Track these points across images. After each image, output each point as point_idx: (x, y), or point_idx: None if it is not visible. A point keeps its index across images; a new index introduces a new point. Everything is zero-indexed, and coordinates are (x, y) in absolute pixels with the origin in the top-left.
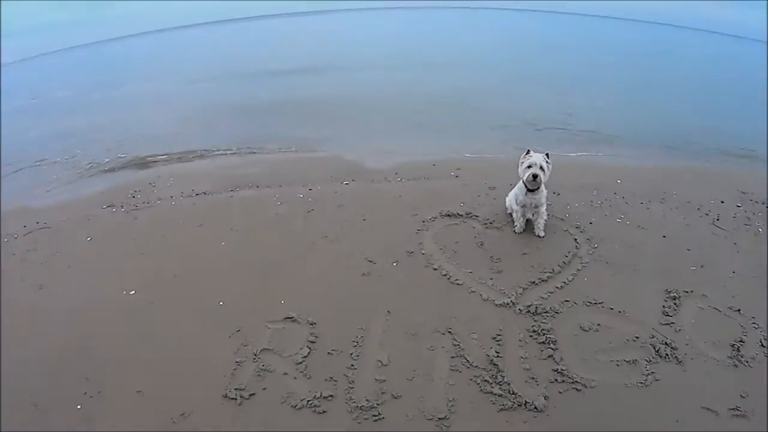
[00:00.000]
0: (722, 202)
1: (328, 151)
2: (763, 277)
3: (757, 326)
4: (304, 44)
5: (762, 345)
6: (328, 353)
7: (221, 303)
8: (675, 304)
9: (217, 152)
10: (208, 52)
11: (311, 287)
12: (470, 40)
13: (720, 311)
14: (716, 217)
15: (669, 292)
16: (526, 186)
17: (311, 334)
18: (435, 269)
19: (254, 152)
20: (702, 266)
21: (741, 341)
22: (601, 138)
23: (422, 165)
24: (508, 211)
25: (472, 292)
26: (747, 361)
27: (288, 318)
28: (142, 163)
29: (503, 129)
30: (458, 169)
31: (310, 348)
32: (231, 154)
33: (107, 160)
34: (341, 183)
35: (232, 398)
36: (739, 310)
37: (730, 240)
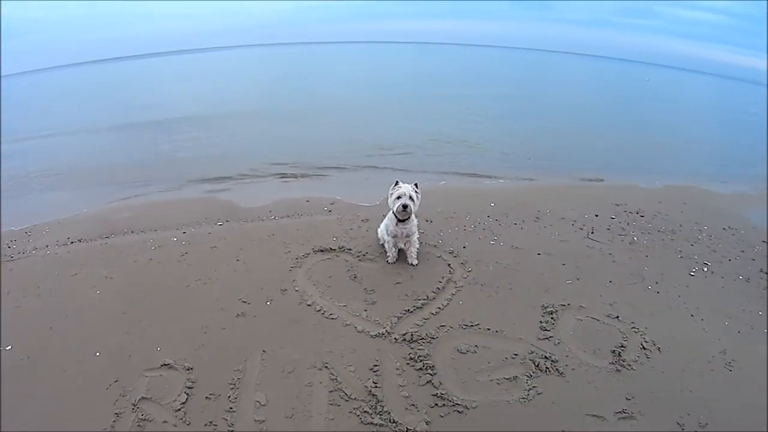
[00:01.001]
0: (597, 215)
1: (201, 193)
2: (639, 283)
3: (637, 330)
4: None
5: (643, 347)
6: (206, 398)
7: (97, 354)
8: (552, 318)
9: (94, 199)
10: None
11: (187, 332)
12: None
13: (598, 320)
14: (591, 231)
15: (545, 307)
16: (396, 216)
17: (188, 379)
18: (309, 305)
19: (127, 198)
20: (578, 279)
21: (622, 346)
22: (475, 163)
23: (296, 202)
24: (381, 242)
25: (347, 325)
26: (629, 365)
27: (165, 365)
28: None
29: (377, 157)
30: (332, 203)
31: (188, 394)
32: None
33: None
34: (215, 224)
35: None
36: (617, 317)
37: (605, 251)
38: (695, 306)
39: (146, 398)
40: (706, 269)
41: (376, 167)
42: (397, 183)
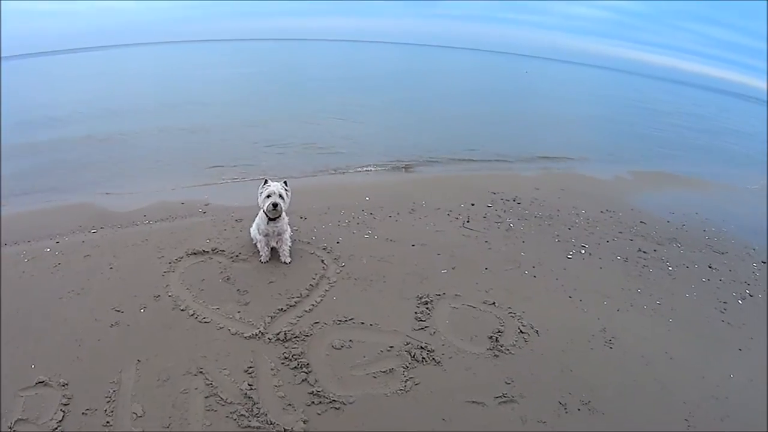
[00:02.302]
0: (473, 204)
1: (77, 199)
2: (515, 269)
3: (513, 314)
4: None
5: (521, 332)
6: (83, 413)
7: None
8: (427, 308)
9: None
10: None
11: (61, 346)
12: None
13: (474, 307)
14: (467, 220)
15: (420, 297)
16: (267, 215)
17: (64, 396)
18: (182, 310)
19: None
20: (453, 268)
21: (499, 332)
22: (350, 158)
23: (171, 205)
24: (254, 242)
25: (221, 328)
26: (508, 349)
27: (39, 383)
28: None
29: (252, 157)
30: (206, 205)
31: (64, 411)
32: None
33: None
34: (89, 232)
35: None
36: (494, 303)
37: (481, 239)
38: (573, 288)
39: (22, 419)
40: (583, 251)
41: (251, 165)
42: (266, 181)
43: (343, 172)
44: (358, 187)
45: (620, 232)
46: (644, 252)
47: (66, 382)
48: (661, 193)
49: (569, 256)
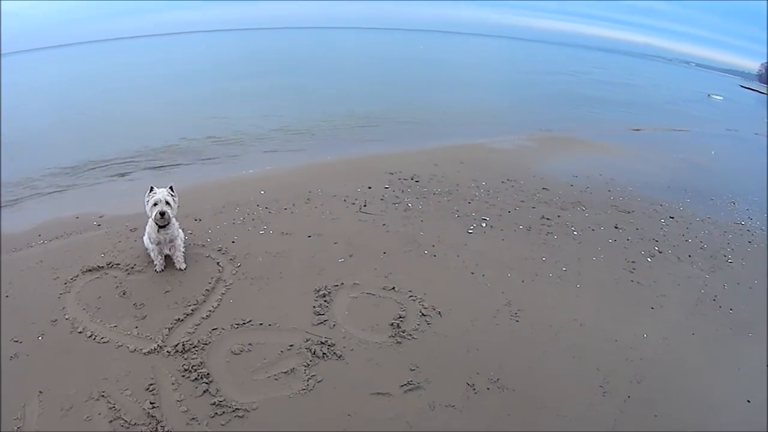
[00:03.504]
0: (370, 187)
1: None
2: (415, 250)
3: (414, 298)
4: None
5: (422, 314)
6: None
7: None
8: (326, 301)
9: None
10: None
11: None
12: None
13: (374, 294)
14: (363, 204)
15: (318, 290)
16: (156, 223)
17: None
18: (80, 332)
19: None
20: (351, 256)
21: (400, 317)
22: (242, 152)
23: (65, 220)
24: (148, 251)
25: (120, 346)
26: (410, 335)
27: None
28: None
29: (144, 160)
30: (100, 216)
31: None
32: None
33: None
34: None
35: None
36: (394, 288)
37: (378, 223)
38: (475, 263)
39: None
40: (484, 225)
41: (147, 168)
42: (151, 189)
43: (236, 169)
44: (252, 182)
45: (522, 201)
46: (547, 219)
47: None
48: (564, 158)
49: (470, 231)
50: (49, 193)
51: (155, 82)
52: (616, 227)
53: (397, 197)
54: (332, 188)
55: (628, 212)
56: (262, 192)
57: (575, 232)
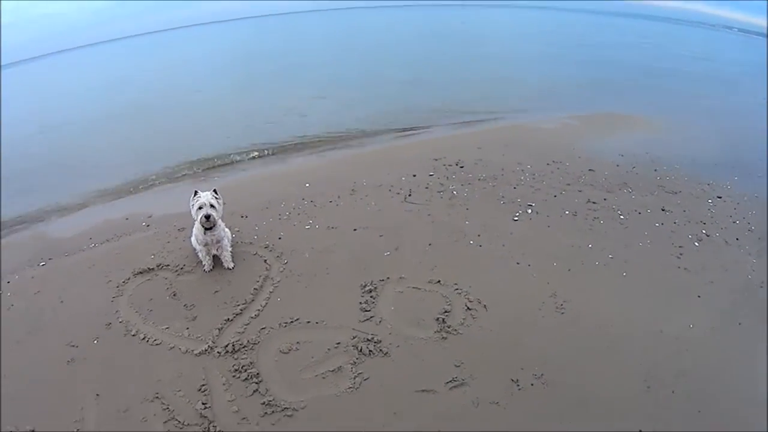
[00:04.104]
0: (414, 175)
1: (23, 228)
2: (460, 240)
3: (460, 291)
4: None
5: (468, 308)
6: None
7: None
8: (372, 296)
9: None
10: None
11: (23, 391)
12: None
13: (420, 288)
14: (408, 193)
15: (364, 286)
16: (202, 226)
17: None
18: (134, 335)
19: None
20: (396, 248)
21: (446, 312)
22: (285, 141)
23: (115, 222)
24: (196, 251)
25: (172, 348)
26: (456, 330)
27: None
28: None
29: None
30: (149, 216)
31: None
32: None
33: None
34: (38, 266)
35: None
36: (439, 281)
37: (424, 213)
38: (521, 253)
39: None
40: (530, 211)
41: (194, 167)
42: (196, 193)
43: (282, 161)
44: (297, 174)
45: (568, 184)
46: (594, 203)
47: (32, 429)
48: (610, 136)
49: (515, 218)
50: (99, 195)
51: (189, 81)
52: (663, 210)
53: (442, 185)
54: (377, 178)
55: (675, 193)
56: (307, 185)
57: (621, 216)
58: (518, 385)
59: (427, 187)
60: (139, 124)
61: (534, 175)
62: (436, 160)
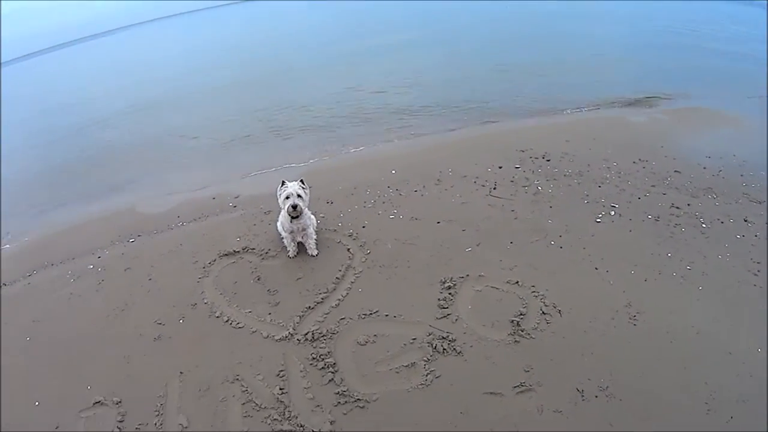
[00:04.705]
0: (500, 167)
1: (112, 207)
2: (541, 240)
3: (537, 294)
4: None
5: (543, 313)
6: (136, 429)
7: (37, 403)
8: (450, 294)
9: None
10: None
11: (112, 365)
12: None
13: (498, 288)
14: (493, 186)
15: (444, 282)
16: (289, 215)
17: (119, 413)
18: (218, 317)
19: (45, 223)
20: (478, 245)
21: (521, 315)
22: (369, 129)
23: (202, 201)
24: (281, 237)
25: (254, 332)
26: (529, 334)
27: (96, 403)
28: None
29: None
30: (236, 197)
31: (119, 428)
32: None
33: None
34: (128, 242)
35: None
36: (517, 282)
37: (507, 208)
38: (600, 257)
39: None
40: (613, 213)
41: (281, 137)
42: (283, 183)
43: (366, 145)
44: (384, 160)
45: (653, 186)
46: (677, 208)
47: (119, 400)
48: (699, 135)
49: (598, 220)
50: (186, 170)
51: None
52: (745, 220)
53: (527, 179)
54: (463, 167)
55: (760, 203)
56: (393, 171)
57: (704, 225)
58: (583, 396)
59: (512, 181)
60: (241, 98)
61: (620, 173)
62: (523, 151)
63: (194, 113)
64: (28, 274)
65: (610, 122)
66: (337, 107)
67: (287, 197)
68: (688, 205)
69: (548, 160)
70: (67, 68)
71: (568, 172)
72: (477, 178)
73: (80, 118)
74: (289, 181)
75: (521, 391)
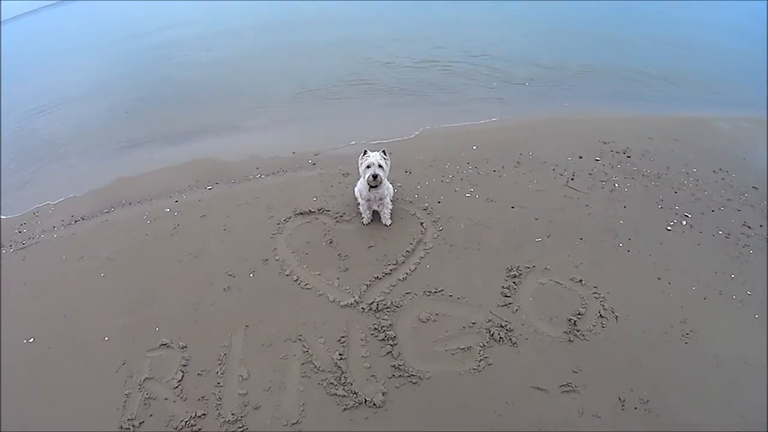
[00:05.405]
0: (580, 157)
1: (193, 152)
2: (611, 240)
3: (598, 296)
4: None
5: (600, 316)
6: (198, 374)
7: (106, 338)
8: (515, 283)
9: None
10: None
11: (181, 310)
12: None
13: (561, 284)
14: (571, 177)
15: (510, 270)
16: (369, 184)
17: (183, 357)
18: (287, 275)
19: (126, 162)
20: (549, 236)
21: (579, 314)
22: (457, 98)
23: (282, 155)
24: (357, 202)
25: (321, 295)
26: (583, 335)
27: (163, 345)
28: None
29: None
30: (316, 155)
31: (183, 372)
32: (107, 157)
33: None
34: (205, 188)
35: (127, 428)
36: (581, 281)
37: (582, 202)
38: (665, 267)
39: (149, 378)
40: (684, 222)
41: (362, 98)
42: (365, 152)
43: (455, 113)
44: (467, 133)
45: (729, 200)
46: (749, 227)
47: (185, 345)
48: None
49: (669, 228)
50: (266, 124)
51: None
52: None
53: (606, 174)
54: (543, 152)
55: None
56: (474, 147)
57: None
58: (623, 405)
59: (590, 174)
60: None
61: (698, 181)
62: (605, 143)
63: (297, 69)
64: (105, 211)
65: (695, 124)
66: (424, 71)
67: (368, 166)
68: (761, 226)
69: (629, 157)
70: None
71: (646, 172)
72: (556, 165)
73: (176, 61)
74: (371, 151)
75: (566, 391)
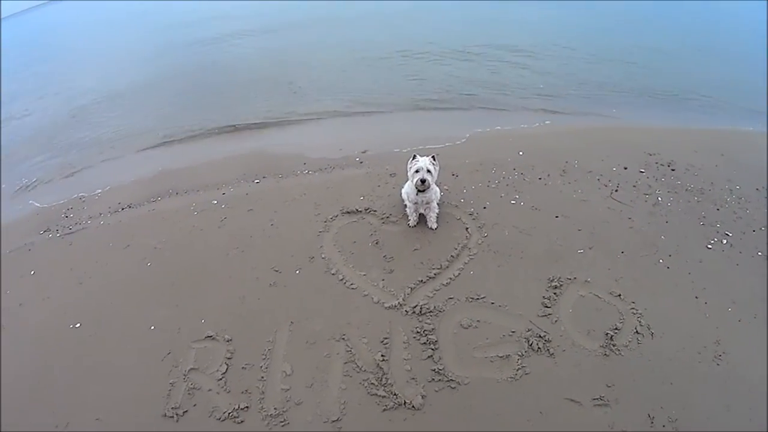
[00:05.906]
0: (625, 168)
1: (242, 144)
2: (651, 255)
3: (635, 311)
4: None
5: (637, 332)
6: (243, 367)
7: (152, 327)
8: (555, 293)
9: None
10: None
11: (226, 303)
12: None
13: (600, 297)
14: (615, 188)
15: (551, 280)
16: (417, 189)
17: (228, 350)
18: (333, 274)
19: (173, 153)
20: (591, 248)
21: (616, 329)
22: (506, 102)
23: (330, 151)
24: (404, 203)
25: (365, 295)
26: (619, 350)
27: (208, 337)
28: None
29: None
30: (363, 152)
31: (227, 364)
32: (154, 147)
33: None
34: (252, 182)
35: (170, 416)
36: (620, 295)
37: (625, 215)
38: (702, 286)
39: (194, 369)
40: (725, 241)
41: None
42: (414, 157)
43: (500, 118)
44: (514, 139)
45: None
46: None
47: (230, 338)
48: None
49: (709, 246)
50: (315, 119)
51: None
52: None
53: (650, 186)
54: (589, 162)
55: None
56: (521, 153)
57: None
58: (652, 423)
59: (634, 186)
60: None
61: (740, 199)
62: (650, 155)
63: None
64: (152, 200)
65: (741, 139)
66: (477, 68)
67: (417, 171)
68: None
69: (673, 170)
70: None
71: (690, 186)
72: (601, 176)
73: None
74: (420, 156)
75: (598, 405)
